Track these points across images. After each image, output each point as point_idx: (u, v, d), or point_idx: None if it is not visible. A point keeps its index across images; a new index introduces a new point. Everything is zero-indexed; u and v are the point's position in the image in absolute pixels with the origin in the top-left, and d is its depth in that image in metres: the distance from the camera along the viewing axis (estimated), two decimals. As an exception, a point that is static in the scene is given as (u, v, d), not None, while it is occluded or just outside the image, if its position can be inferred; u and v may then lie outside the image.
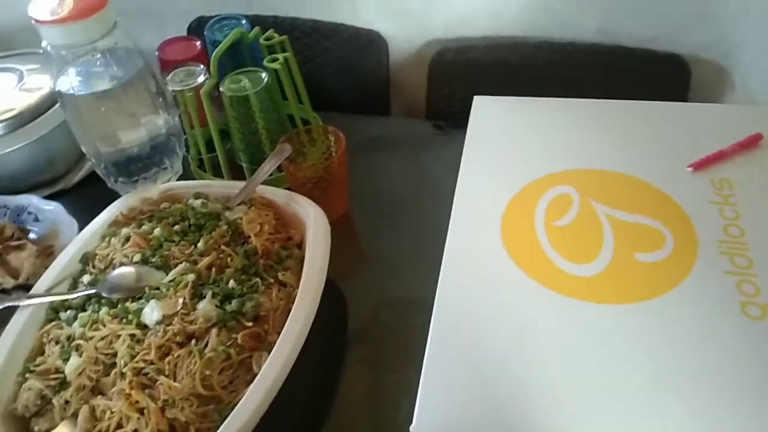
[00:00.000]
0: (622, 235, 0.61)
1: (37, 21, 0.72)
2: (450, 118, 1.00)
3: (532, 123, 0.76)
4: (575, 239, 0.61)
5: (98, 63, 0.77)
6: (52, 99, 0.93)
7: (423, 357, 0.54)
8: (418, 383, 0.53)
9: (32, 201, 0.88)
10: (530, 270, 0.59)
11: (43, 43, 0.75)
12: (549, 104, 0.78)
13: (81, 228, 0.80)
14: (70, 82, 0.77)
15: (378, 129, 1.02)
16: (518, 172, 0.69)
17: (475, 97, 0.79)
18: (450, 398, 0.51)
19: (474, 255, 0.61)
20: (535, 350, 0.53)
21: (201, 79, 0.84)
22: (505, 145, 0.73)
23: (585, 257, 0.59)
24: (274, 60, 0.84)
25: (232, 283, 0.65)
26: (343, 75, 1.12)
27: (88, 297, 0.68)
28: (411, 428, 0.50)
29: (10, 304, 0.68)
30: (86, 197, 0.94)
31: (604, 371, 0.51)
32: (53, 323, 0.67)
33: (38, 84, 0.96)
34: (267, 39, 0.88)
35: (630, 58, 0.97)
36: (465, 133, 0.77)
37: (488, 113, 0.77)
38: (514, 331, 0.55)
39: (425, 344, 0.55)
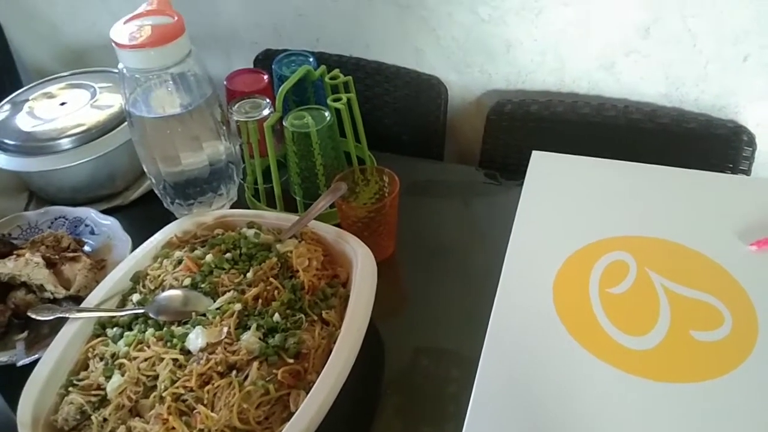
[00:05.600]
0: (679, 309, 0.59)
1: (116, 44, 0.75)
2: (503, 169, 1.00)
3: (590, 183, 0.75)
4: (630, 309, 0.60)
5: (169, 88, 0.80)
6: (120, 117, 0.96)
7: (460, 413, 0.53)
8: (454, 440, 0.52)
9: (90, 214, 0.91)
10: (581, 337, 0.57)
11: (120, 65, 0.77)
12: (608, 166, 0.77)
13: (134, 245, 0.81)
14: (140, 103, 0.80)
15: (430, 173, 1.02)
16: (574, 233, 0.68)
17: (533, 152, 0.79)
18: (489, 462, 0.50)
19: (524, 316, 0.60)
20: (580, 421, 0.51)
21: (266, 112, 0.86)
22: (562, 203, 0.72)
23: (639, 329, 0.58)
24: (338, 99, 0.86)
25: (276, 317, 0.66)
26: (401, 117, 1.13)
27: (136, 316, 0.69)
28: (447, 489, 0.49)
29: (61, 315, 0.69)
30: (141, 215, 0.96)
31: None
32: (99, 339, 0.68)
33: (109, 102, 0.99)
34: (332, 78, 0.90)
35: (693, 126, 0.95)
36: (518, 184, 0.76)
37: (546, 169, 0.77)
38: (560, 400, 0.53)
39: (463, 400, 0.54)
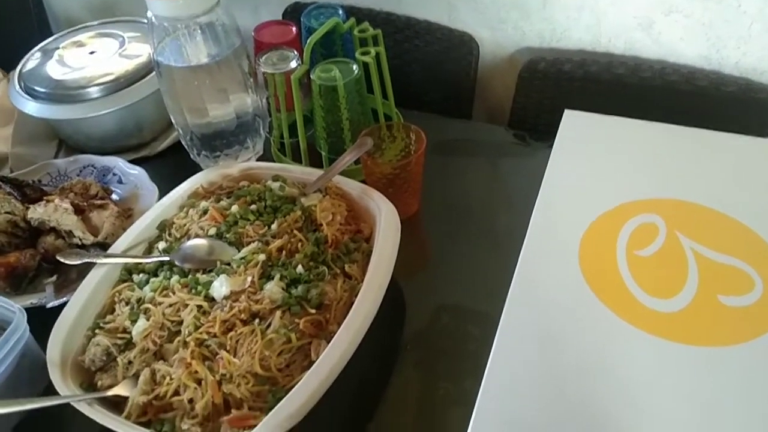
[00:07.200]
0: (707, 273, 0.58)
1: (146, -8, 0.74)
2: (533, 129, 0.98)
3: (622, 144, 0.73)
4: (657, 272, 0.58)
5: (197, 37, 0.79)
6: (149, 67, 0.96)
7: (480, 370, 0.53)
8: (472, 396, 0.52)
9: (118, 163, 0.92)
10: (606, 298, 0.56)
11: (149, 14, 0.77)
12: (642, 127, 0.75)
13: (161, 195, 0.82)
14: (168, 53, 0.80)
15: (458, 132, 1.01)
16: (604, 193, 0.67)
17: (566, 110, 0.77)
18: (507, 417, 0.50)
19: (547, 275, 0.59)
20: (600, 381, 0.51)
21: (293, 64, 0.85)
22: (593, 163, 0.71)
23: (666, 292, 0.57)
24: (366, 53, 0.84)
25: (300, 269, 0.66)
26: (430, 74, 1.11)
27: (161, 263, 0.70)
28: (464, 442, 0.49)
29: (89, 260, 0.71)
30: (168, 166, 0.97)
31: (672, 412, 0.49)
32: (126, 284, 0.69)
33: (137, 51, 0.99)
34: (361, 31, 0.88)
35: (732, 89, 0.92)
36: (547, 146, 0.75)
37: (578, 129, 0.75)
38: (581, 359, 0.53)
39: (482, 358, 0.54)
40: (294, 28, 0.94)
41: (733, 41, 0.92)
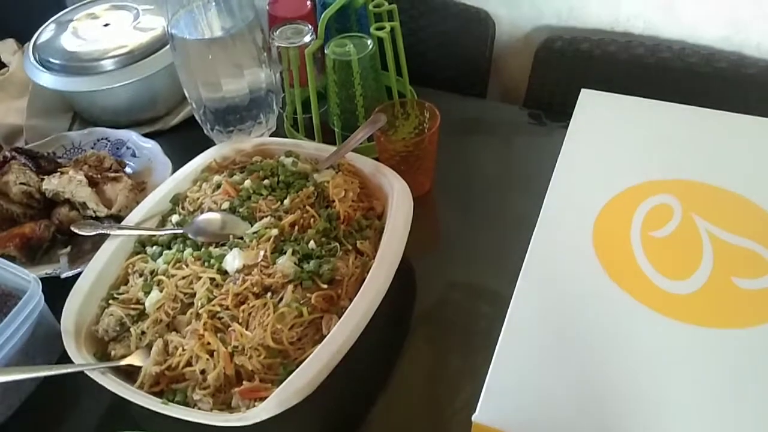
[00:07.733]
0: (722, 255, 0.57)
1: (159, -37, 0.74)
2: (549, 109, 0.97)
3: (639, 125, 0.72)
4: (672, 253, 0.58)
5: (211, 10, 0.79)
6: (163, 40, 0.96)
7: (490, 348, 0.53)
8: (482, 372, 0.52)
9: (132, 137, 0.92)
10: (619, 278, 0.56)
11: (162, -15, 0.77)
12: (659, 108, 0.74)
13: (174, 169, 0.82)
14: (182, 25, 0.79)
15: (472, 110, 1.00)
16: (619, 173, 0.66)
17: (582, 89, 0.76)
18: (516, 394, 0.50)
19: (561, 255, 0.59)
20: (612, 361, 0.51)
21: (308, 38, 0.85)
22: (609, 143, 0.70)
23: (680, 273, 0.56)
24: (381, 28, 0.83)
25: (312, 244, 0.66)
26: (445, 51, 1.10)
27: (175, 236, 0.70)
28: (473, 417, 0.49)
29: (103, 231, 0.71)
30: (182, 140, 0.96)
31: (682, 393, 0.49)
32: (139, 256, 0.70)
33: (152, 24, 0.99)
34: (376, 6, 0.87)
35: (753, 71, 0.90)
36: (563, 126, 0.74)
37: (594, 108, 0.74)
38: (593, 338, 0.53)
39: (493, 335, 0.54)
40: (309, 2, 0.93)
41: (757, 22, 0.90)
